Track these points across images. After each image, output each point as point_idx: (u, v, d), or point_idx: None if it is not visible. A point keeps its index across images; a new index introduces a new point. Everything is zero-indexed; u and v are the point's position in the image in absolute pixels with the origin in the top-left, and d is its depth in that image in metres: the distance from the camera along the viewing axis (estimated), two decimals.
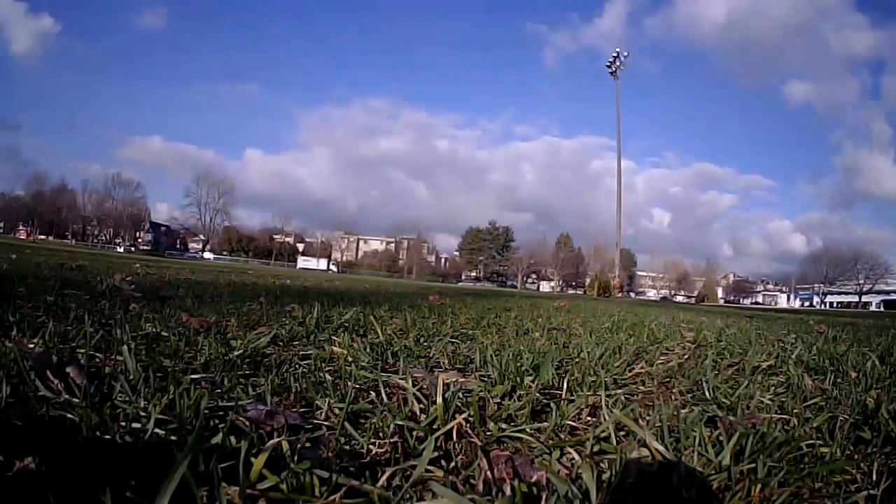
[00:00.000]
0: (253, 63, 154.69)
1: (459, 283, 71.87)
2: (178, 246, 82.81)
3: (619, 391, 1.40)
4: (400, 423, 0.96)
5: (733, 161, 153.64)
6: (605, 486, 0.75)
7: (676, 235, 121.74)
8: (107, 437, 0.79)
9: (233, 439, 0.81)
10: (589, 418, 1.16)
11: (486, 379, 1.41)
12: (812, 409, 1.34)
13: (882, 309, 59.88)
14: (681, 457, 0.90)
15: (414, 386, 1.17)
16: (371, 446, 0.89)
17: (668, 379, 1.67)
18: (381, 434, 0.93)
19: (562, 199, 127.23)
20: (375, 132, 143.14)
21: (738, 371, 1.87)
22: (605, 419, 1.07)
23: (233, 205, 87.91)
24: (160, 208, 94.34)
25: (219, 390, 1.11)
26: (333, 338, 1.87)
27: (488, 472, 0.79)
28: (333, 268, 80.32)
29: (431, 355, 1.73)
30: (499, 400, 1.22)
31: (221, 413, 0.97)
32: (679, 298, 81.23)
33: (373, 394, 1.20)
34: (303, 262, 79.34)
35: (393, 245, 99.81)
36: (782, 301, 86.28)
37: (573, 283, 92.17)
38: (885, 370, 1.92)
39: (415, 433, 0.94)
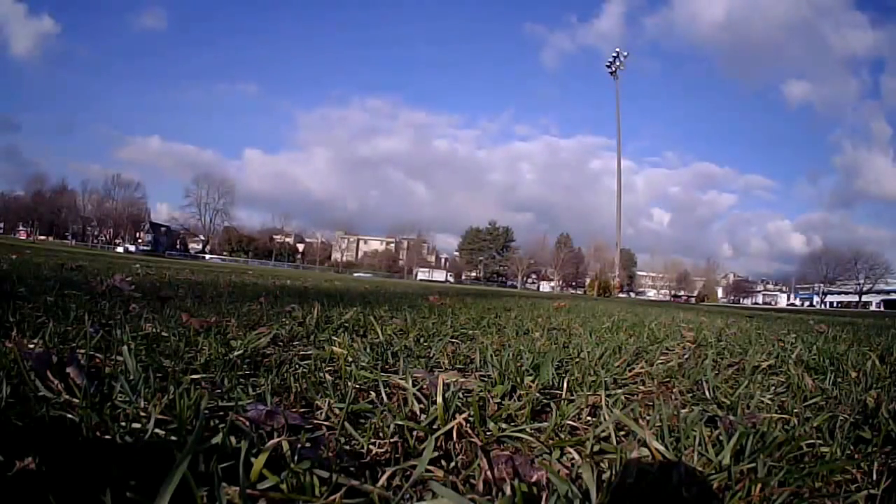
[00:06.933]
0: (252, 63, 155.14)
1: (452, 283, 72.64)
2: (178, 246, 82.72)
3: (619, 391, 1.40)
4: (400, 423, 0.96)
5: (733, 161, 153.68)
6: (605, 485, 0.75)
7: (676, 235, 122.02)
8: (107, 437, 0.79)
9: (233, 439, 0.81)
10: (589, 418, 1.15)
11: (486, 379, 1.41)
12: (812, 409, 1.34)
13: (882, 309, 59.90)
14: (681, 456, 0.90)
15: (414, 386, 1.17)
16: (371, 446, 0.89)
17: (668, 379, 1.67)
18: (381, 434, 0.93)
19: (562, 199, 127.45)
20: (375, 132, 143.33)
21: (738, 371, 1.87)
22: (605, 419, 1.07)
23: (232, 205, 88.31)
24: (160, 208, 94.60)
25: (219, 390, 1.11)
26: (333, 338, 1.87)
27: (488, 472, 0.79)
28: (451, 278, 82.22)
29: (431, 355, 1.73)
30: (499, 400, 1.21)
31: (221, 413, 0.97)
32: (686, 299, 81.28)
33: (373, 394, 1.20)
34: (422, 274, 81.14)
35: (393, 245, 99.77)
36: (782, 301, 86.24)
37: (573, 283, 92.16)
38: (885, 370, 1.92)
39: (415, 433, 0.94)
